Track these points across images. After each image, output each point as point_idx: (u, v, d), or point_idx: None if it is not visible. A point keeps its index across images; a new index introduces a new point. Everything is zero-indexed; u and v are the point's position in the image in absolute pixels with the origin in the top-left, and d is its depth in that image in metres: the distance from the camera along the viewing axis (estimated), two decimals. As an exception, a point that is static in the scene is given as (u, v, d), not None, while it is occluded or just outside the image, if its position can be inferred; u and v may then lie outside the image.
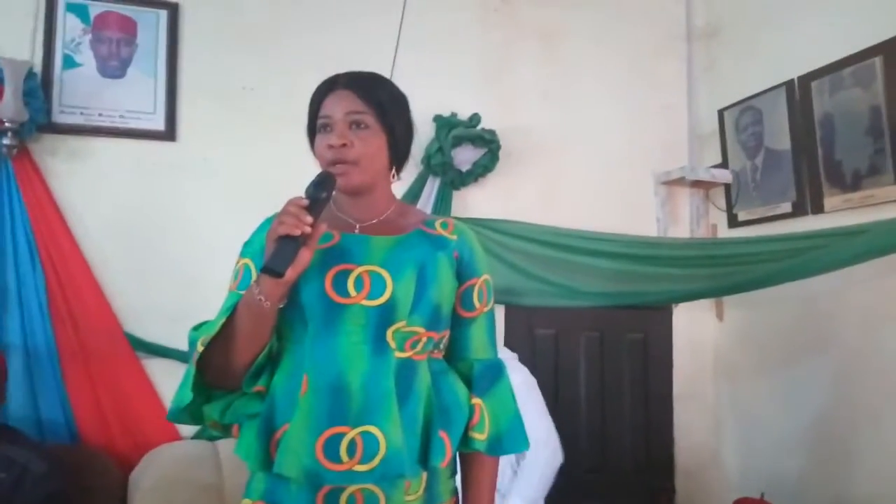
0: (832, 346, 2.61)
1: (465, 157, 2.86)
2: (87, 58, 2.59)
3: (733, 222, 3.11)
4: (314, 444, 1.13)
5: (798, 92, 2.74)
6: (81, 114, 2.56)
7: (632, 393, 3.10)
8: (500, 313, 2.83)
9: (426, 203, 2.86)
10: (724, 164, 3.12)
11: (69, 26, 2.57)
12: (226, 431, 1.26)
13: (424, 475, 1.22)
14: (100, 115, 2.58)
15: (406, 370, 1.21)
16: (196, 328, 1.24)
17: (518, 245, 2.91)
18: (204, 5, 2.72)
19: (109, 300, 2.49)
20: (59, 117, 2.52)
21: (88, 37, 2.59)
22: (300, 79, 2.67)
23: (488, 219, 2.91)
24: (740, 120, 3.04)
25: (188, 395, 1.18)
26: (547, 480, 2.17)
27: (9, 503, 1.86)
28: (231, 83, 2.72)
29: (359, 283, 1.19)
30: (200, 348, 1.16)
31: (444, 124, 2.85)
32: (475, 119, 2.89)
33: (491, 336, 1.35)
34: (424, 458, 1.20)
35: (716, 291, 2.93)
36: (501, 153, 2.92)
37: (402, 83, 1.37)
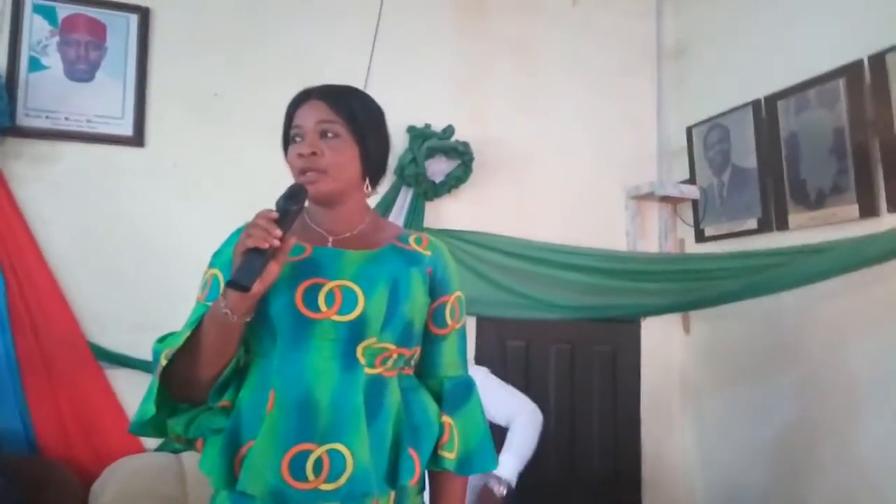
0: (798, 359, 2.66)
1: (438, 168, 2.87)
2: (54, 60, 2.53)
3: (700, 237, 3.16)
4: (280, 461, 1.12)
5: (765, 111, 2.80)
6: (47, 117, 2.50)
7: (600, 405, 3.13)
8: (471, 324, 2.83)
9: (399, 213, 2.86)
10: (691, 180, 3.17)
11: (36, 28, 2.52)
12: (189, 445, 1.24)
13: (392, 494, 1.21)
14: (66, 119, 2.52)
15: (376, 387, 1.20)
16: (161, 340, 1.22)
17: (490, 257, 2.93)
18: (175, 10, 2.69)
19: (73, 308, 2.44)
20: (24, 121, 2.47)
21: (56, 39, 2.54)
22: (271, 86, 2.69)
23: (461, 230, 2.93)
24: (708, 137, 3.10)
25: (151, 409, 1.16)
26: (533, 439, 2.27)
27: (-37, 517, 1.81)
28: (201, 89, 2.69)
29: (330, 298, 1.18)
30: (164, 361, 1.14)
31: (418, 135, 2.86)
32: (449, 130, 2.90)
33: (462, 353, 1.35)
34: (393, 476, 1.19)
35: (684, 306, 2.98)
36: (474, 165, 2.93)
37: (377, 93, 1.37)
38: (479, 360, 2.74)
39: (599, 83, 3.28)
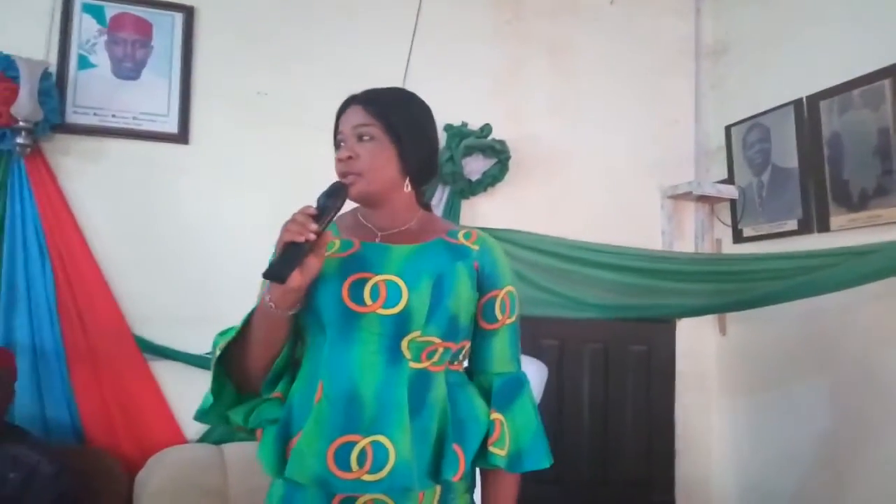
0: (836, 363, 2.62)
1: (475, 166, 2.88)
2: (101, 59, 2.59)
3: (738, 238, 3.13)
4: (325, 451, 1.14)
5: (807, 110, 2.76)
6: (95, 114, 2.56)
7: (634, 405, 3.11)
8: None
9: (435, 211, 2.84)
10: (729, 180, 3.14)
11: (85, 27, 2.58)
12: (251, 434, 1.28)
13: (438, 488, 1.22)
14: (113, 116, 2.58)
15: (421, 381, 1.21)
16: (221, 333, 1.26)
17: (525, 255, 2.92)
18: (219, 9, 2.73)
19: (118, 301, 2.49)
20: (73, 117, 2.53)
21: (104, 38, 2.60)
22: (314, 85, 2.75)
23: (496, 228, 2.91)
24: (747, 137, 3.07)
25: (209, 398, 1.21)
26: (537, 393, 2.28)
27: (18, 503, 1.86)
28: (245, 87, 2.73)
29: (375, 292, 1.20)
30: (217, 352, 1.20)
31: (456, 134, 2.87)
32: (486, 129, 2.91)
33: (514, 349, 1.34)
34: (436, 470, 1.20)
35: (721, 307, 2.95)
36: (511, 164, 2.94)
37: (414, 91, 1.39)
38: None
39: (636, 82, 3.27)
